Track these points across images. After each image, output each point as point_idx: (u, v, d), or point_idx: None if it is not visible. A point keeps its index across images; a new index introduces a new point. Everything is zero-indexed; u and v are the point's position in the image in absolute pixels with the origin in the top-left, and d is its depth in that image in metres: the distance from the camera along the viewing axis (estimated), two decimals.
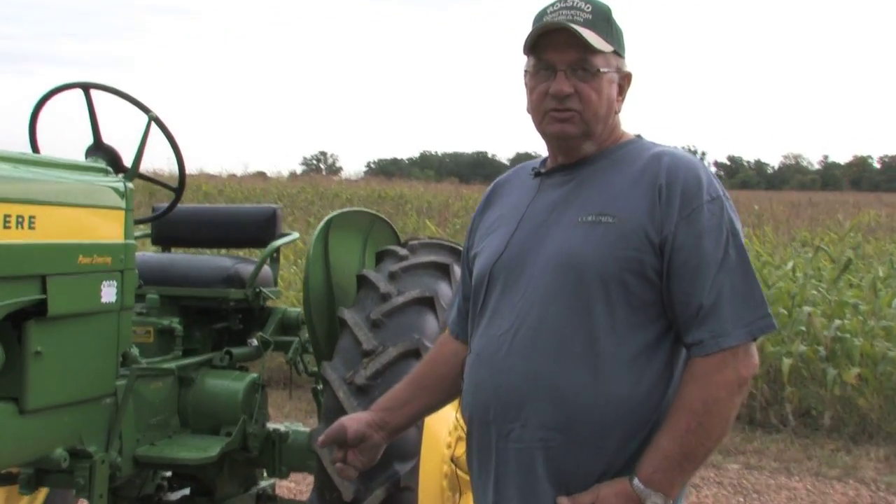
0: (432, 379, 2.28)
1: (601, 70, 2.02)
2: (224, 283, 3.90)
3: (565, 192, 2.10)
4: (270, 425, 3.92)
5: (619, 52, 2.08)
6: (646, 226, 1.96)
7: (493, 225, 2.19)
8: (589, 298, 1.97)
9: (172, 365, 3.53)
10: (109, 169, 3.35)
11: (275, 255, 4.26)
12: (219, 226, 4.34)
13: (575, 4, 2.03)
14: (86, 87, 3.38)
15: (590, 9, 2.03)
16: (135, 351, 3.44)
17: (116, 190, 3.28)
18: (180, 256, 4.22)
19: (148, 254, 4.33)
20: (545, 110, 2.06)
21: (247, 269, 4.01)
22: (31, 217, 2.81)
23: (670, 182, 1.98)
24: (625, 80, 2.11)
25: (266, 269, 4.14)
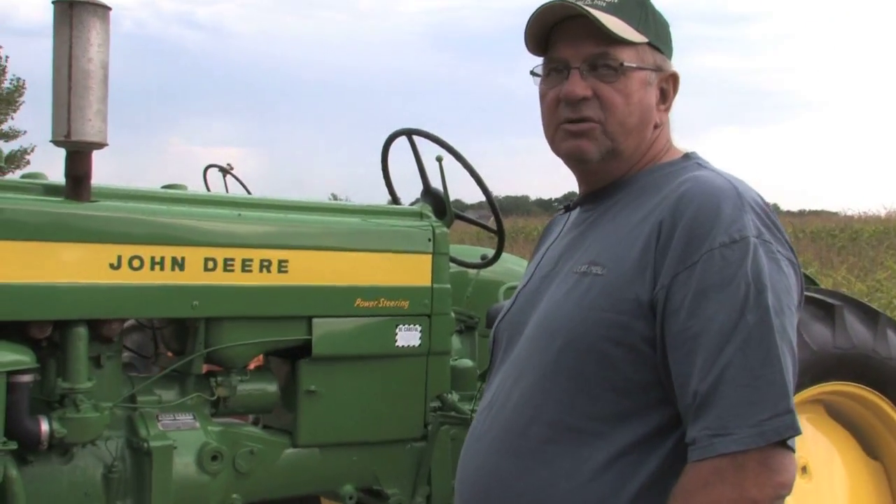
0: None
1: (629, 66, 1.56)
2: None
3: (580, 233, 1.65)
4: None
5: (657, 46, 1.60)
6: (634, 279, 1.44)
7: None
8: (559, 375, 1.50)
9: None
10: (427, 213, 3.36)
11: None
12: None
13: None
14: (408, 134, 3.47)
15: None
16: (453, 397, 3.36)
17: (422, 234, 3.27)
18: None
19: None
20: (557, 122, 1.61)
21: None
22: (281, 261, 2.98)
23: (675, 218, 1.43)
24: (669, 82, 1.62)
25: None
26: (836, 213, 30.24)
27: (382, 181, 3.66)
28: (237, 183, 6.27)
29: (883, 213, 23.98)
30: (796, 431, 1.36)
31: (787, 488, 1.36)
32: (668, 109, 1.65)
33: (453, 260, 3.45)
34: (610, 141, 1.57)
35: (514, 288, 4.30)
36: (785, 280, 1.43)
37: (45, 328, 2.65)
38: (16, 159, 26.07)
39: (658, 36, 1.62)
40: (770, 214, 1.48)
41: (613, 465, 1.45)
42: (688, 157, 1.64)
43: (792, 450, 1.37)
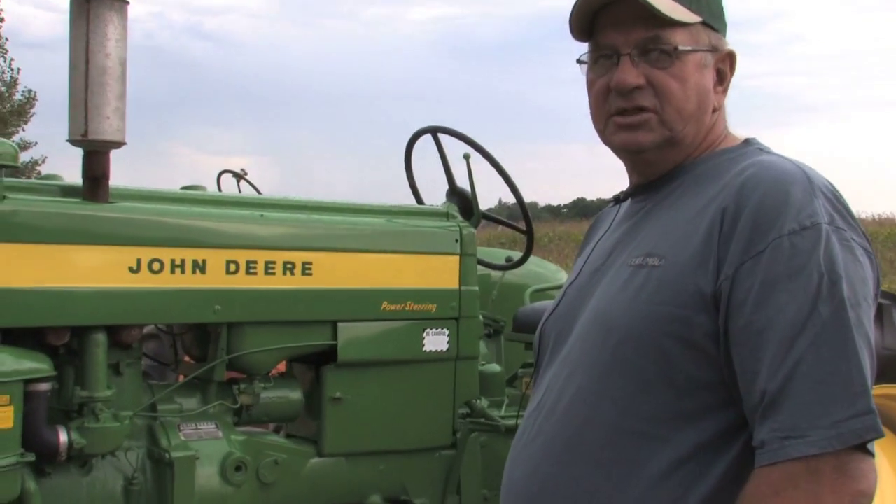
0: None
1: (683, 49, 1.45)
2: None
3: (633, 224, 1.55)
4: None
5: (712, 25, 1.49)
6: (695, 270, 1.34)
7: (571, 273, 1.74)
8: (614, 374, 1.40)
9: (509, 423, 3.23)
10: (454, 214, 3.25)
11: None
12: None
13: None
14: (434, 132, 3.36)
15: None
16: (482, 403, 3.25)
17: (449, 235, 3.16)
18: None
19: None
20: (608, 113, 1.51)
21: None
22: (305, 263, 2.88)
23: (740, 204, 1.34)
24: (725, 62, 1.54)
25: None
26: None
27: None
28: (251, 189, 6.19)
29: None
30: (878, 434, 1.25)
31: (867, 497, 1.25)
32: (725, 91, 1.55)
33: (480, 262, 3.35)
34: (668, 130, 1.48)
35: (540, 291, 4.22)
36: (860, 270, 1.33)
37: (62, 335, 2.55)
38: (27, 170, 26.07)
39: (712, 13, 1.51)
40: (842, 200, 1.38)
41: (675, 472, 1.34)
42: (748, 142, 1.54)
43: (871, 454, 1.27)
